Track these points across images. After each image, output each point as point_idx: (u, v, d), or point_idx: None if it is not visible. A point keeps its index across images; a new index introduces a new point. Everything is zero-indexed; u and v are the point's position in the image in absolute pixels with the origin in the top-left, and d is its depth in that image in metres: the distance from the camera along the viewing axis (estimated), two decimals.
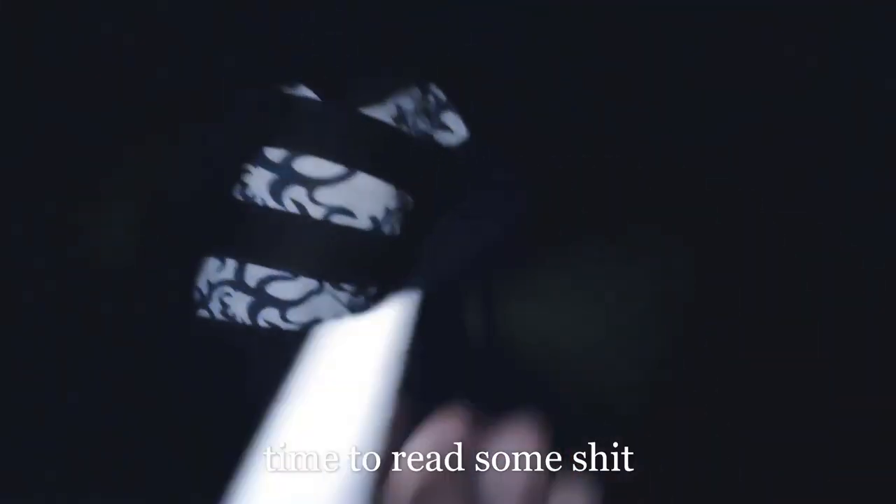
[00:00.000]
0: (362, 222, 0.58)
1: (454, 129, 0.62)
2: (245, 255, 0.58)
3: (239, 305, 0.58)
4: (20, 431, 0.55)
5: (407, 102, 0.61)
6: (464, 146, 0.62)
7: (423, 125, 0.62)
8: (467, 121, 0.62)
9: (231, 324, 0.58)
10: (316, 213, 0.57)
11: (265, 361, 0.56)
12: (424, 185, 0.62)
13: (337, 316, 0.59)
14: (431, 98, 0.62)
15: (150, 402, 0.58)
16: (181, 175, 0.59)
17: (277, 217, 0.57)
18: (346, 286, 0.59)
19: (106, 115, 0.61)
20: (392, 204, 0.60)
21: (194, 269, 0.59)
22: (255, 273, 0.57)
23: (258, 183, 0.58)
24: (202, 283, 0.59)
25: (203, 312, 0.59)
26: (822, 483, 0.57)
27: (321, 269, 0.58)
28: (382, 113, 0.60)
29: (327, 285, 0.58)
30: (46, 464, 0.53)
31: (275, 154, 0.58)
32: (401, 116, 0.61)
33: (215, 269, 0.59)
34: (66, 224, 0.61)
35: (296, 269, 0.57)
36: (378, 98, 0.59)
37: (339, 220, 0.57)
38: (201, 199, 0.58)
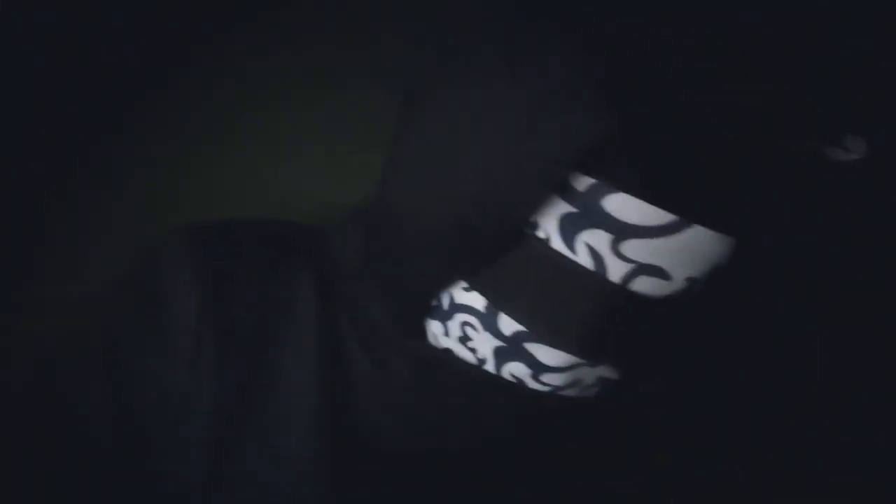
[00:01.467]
0: (674, 285, 0.42)
1: (853, 148, 0.43)
2: (500, 301, 0.44)
3: (484, 344, 0.45)
4: None
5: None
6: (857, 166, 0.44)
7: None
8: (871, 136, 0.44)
9: (463, 362, 0.47)
10: (616, 271, 0.41)
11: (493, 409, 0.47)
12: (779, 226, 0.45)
13: (599, 383, 0.47)
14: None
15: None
16: (442, 181, 0.43)
17: (560, 266, 0.42)
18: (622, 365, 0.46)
19: None
20: (722, 260, 0.43)
21: (437, 278, 0.46)
22: (510, 323, 0.44)
23: (548, 213, 0.42)
24: (444, 296, 0.46)
25: (437, 326, 0.47)
26: (822, 482, 0.57)
27: (595, 349, 0.44)
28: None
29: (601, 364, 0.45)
30: None
31: (580, 181, 0.41)
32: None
33: (461, 288, 0.45)
34: None
35: (562, 345, 0.43)
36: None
37: (643, 283, 0.42)
38: (465, 221, 0.42)
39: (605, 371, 0.46)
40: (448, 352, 0.47)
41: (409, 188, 0.45)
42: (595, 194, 0.40)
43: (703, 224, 0.40)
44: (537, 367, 0.44)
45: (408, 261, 0.46)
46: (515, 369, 0.45)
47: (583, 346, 0.43)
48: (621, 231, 0.40)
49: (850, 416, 0.59)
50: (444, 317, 0.46)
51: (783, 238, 0.54)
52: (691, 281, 0.43)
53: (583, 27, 0.40)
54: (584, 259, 0.42)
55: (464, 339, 0.46)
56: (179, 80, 0.62)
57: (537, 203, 0.41)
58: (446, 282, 0.45)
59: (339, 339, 0.50)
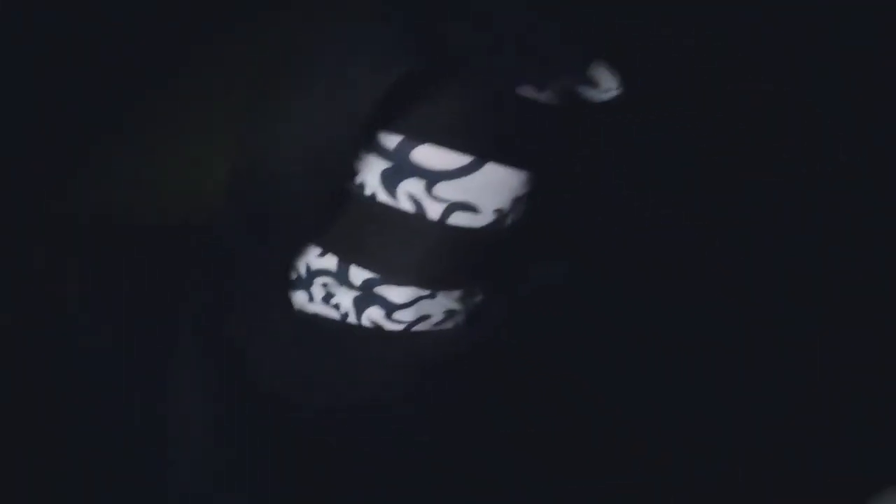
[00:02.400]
0: (485, 217, 0.51)
1: (603, 85, 0.51)
2: (348, 255, 0.51)
3: (345, 298, 0.52)
4: None
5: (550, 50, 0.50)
6: (613, 104, 0.51)
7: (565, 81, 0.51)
8: (622, 75, 0.50)
9: (328, 317, 0.52)
10: (433, 210, 0.49)
11: (362, 356, 0.53)
12: (561, 161, 0.53)
13: (447, 315, 0.53)
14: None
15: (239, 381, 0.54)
16: (284, 145, 0.50)
17: (388, 215, 0.49)
18: (459, 291, 0.53)
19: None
20: (522, 191, 0.51)
21: (290, 248, 0.52)
22: (359, 273, 0.51)
23: (370, 172, 0.50)
24: (301, 265, 0.53)
25: (301, 295, 0.53)
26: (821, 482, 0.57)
27: (434, 279, 0.51)
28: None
29: (440, 293, 0.52)
30: None
31: (390, 140, 0.49)
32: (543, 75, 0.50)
33: (315, 255, 0.52)
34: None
35: (404, 280, 0.51)
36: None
37: (459, 217, 0.50)
38: (304, 178, 0.50)
39: (446, 302, 0.52)
40: (316, 315, 0.53)
41: (262, 150, 0.52)
42: (403, 149, 0.48)
43: (494, 160, 0.49)
44: (388, 307, 0.52)
45: (269, 225, 0.52)
46: (372, 313, 0.52)
47: (420, 278, 0.51)
48: (431, 176, 0.48)
49: (849, 416, 0.59)
50: (306, 284, 0.53)
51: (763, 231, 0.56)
52: (499, 212, 0.51)
53: None
54: (405, 205, 0.49)
55: (327, 298, 0.52)
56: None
57: (347, 157, 0.49)
58: (299, 246, 0.52)
59: (227, 310, 0.55)
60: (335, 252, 0.51)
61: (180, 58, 0.59)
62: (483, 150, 0.49)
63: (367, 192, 0.50)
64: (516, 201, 0.51)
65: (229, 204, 0.53)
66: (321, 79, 0.48)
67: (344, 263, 0.51)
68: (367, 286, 0.51)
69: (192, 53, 0.59)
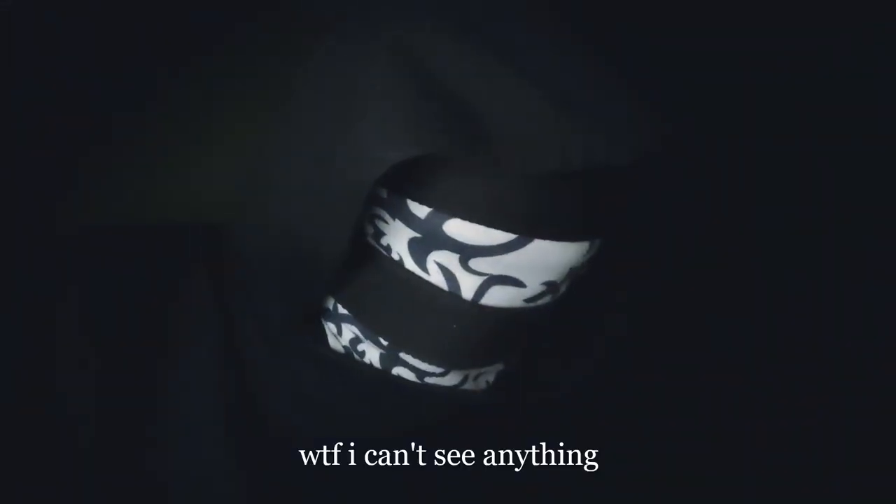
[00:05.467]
0: (531, 290, 0.42)
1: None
2: (369, 320, 0.44)
3: (371, 352, 0.46)
4: None
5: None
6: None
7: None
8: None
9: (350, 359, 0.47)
10: (468, 285, 0.41)
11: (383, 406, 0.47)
12: (619, 217, 0.44)
13: (488, 383, 0.48)
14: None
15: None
16: (290, 176, 0.43)
17: (416, 286, 0.42)
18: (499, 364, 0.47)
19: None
20: (578, 260, 0.42)
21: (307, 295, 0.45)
22: (384, 339, 0.45)
23: (397, 238, 0.42)
24: (329, 301, 0.47)
25: (330, 326, 0.47)
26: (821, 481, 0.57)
27: (465, 359, 0.44)
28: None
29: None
30: None
31: (419, 209, 0.41)
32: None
33: (331, 306, 0.46)
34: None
35: (430, 358, 0.44)
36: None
37: (498, 293, 0.42)
38: (313, 223, 0.42)
39: (483, 372, 0.46)
40: (347, 353, 0.47)
41: (260, 194, 0.46)
42: (434, 220, 0.40)
43: (542, 238, 0.40)
44: (418, 372, 0.45)
45: (279, 268, 0.45)
46: (402, 373, 0.45)
47: (449, 359, 0.44)
48: (466, 250, 0.40)
49: (850, 415, 0.59)
50: (335, 319, 0.47)
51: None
52: (550, 284, 0.42)
53: (391, 38, 0.39)
54: (436, 278, 0.42)
55: (354, 342, 0.46)
56: None
57: (345, 222, 0.40)
58: (310, 298, 0.45)
59: (242, 340, 0.50)
60: (355, 314, 0.45)
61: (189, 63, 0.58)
62: (529, 229, 0.40)
63: (394, 255, 0.42)
64: (572, 272, 0.43)
65: (245, 221, 0.49)
66: (326, 122, 0.41)
67: (366, 326, 0.45)
68: (392, 349, 0.45)
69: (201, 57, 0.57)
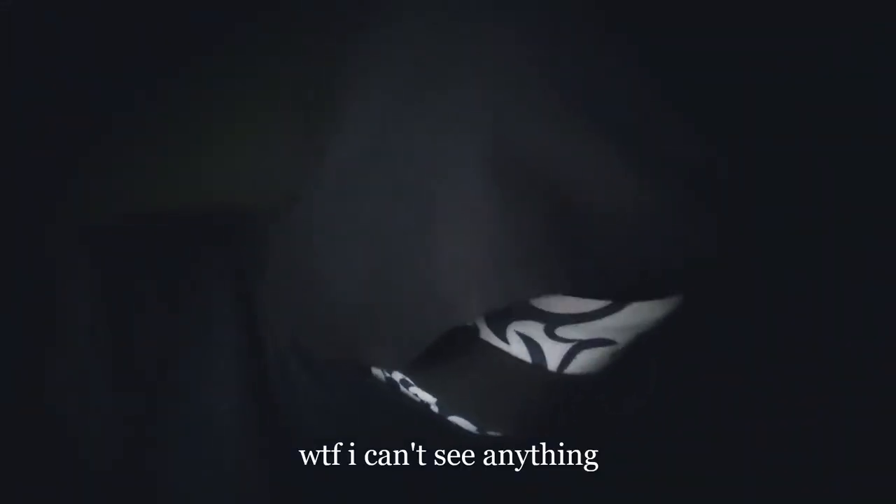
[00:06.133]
0: (620, 346, 0.38)
1: None
2: (431, 389, 0.39)
3: (426, 397, 0.41)
4: None
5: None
6: None
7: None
8: None
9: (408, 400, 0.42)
10: (554, 355, 0.37)
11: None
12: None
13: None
14: None
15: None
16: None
17: (492, 358, 0.37)
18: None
19: None
20: (672, 313, 0.38)
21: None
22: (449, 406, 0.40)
23: None
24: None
25: (379, 374, 0.42)
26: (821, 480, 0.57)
27: (534, 428, 0.40)
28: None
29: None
30: None
31: None
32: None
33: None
34: None
35: (497, 429, 0.40)
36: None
37: (586, 355, 0.37)
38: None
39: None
40: (394, 384, 0.42)
41: (333, 229, 0.37)
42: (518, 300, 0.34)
43: (639, 300, 0.36)
44: (481, 426, 0.41)
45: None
46: (461, 423, 0.41)
47: (523, 429, 0.40)
48: (553, 320, 0.36)
49: (850, 415, 0.59)
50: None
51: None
52: (639, 336, 0.38)
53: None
54: (517, 349, 0.37)
55: (405, 384, 0.41)
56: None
57: (461, 319, 0.32)
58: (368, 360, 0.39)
59: (266, 346, 0.47)
60: (414, 379, 0.40)
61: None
62: (621, 294, 0.35)
63: (468, 323, 0.37)
64: (667, 319, 0.38)
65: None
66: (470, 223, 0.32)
67: (425, 391, 0.40)
68: (445, 411, 0.40)
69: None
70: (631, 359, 0.42)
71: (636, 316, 0.36)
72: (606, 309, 0.35)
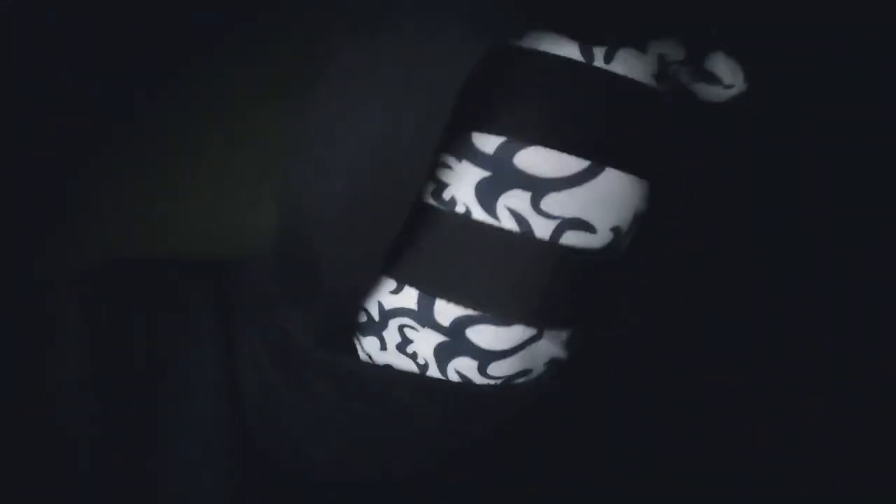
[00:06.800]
0: (601, 237, 0.42)
1: (727, 81, 0.44)
2: (433, 287, 0.41)
3: (425, 344, 0.43)
4: None
5: (671, 47, 0.42)
6: (737, 103, 0.44)
7: (685, 77, 0.44)
8: (749, 70, 0.43)
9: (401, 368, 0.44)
10: (542, 229, 0.40)
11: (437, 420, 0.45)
12: (678, 170, 0.46)
13: (548, 367, 0.45)
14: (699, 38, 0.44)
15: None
16: (343, 151, 0.41)
17: (487, 236, 0.41)
18: (568, 332, 0.45)
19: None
20: (642, 206, 0.43)
21: (356, 284, 0.43)
22: (447, 310, 0.42)
23: (462, 183, 0.41)
24: (371, 303, 0.44)
25: (371, 342, 0.45)
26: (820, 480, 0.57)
27: (544, 313, 0.42)
28: (640, 69, 0.41)
29: (546, 333, 0.43)
30: None
31: (488, 143, 0.40)
32: (662, 70, 0.42)
33: (388, 291, 0.43)
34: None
35: (507, 315, 0.41)
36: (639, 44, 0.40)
37: (571, 237, 0.41)
38: (370, 193, 0.40)
39: (552, 348, 0.44)
40: (388, 367, 0.44)
41: (308, 171, 0.43)
42: (505, 152, 0.40)
43: (614, 166, 0.41)
44: (483, 357, 0.43)
45: (324, 261, 0.43)
46: (461, 365, 0.43)
47: (528, 311, 0.42)
48: (538, 186, 0.40)
49: (850, 415, 0.59)
50: (378, 329, 0.44)
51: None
52: (616, 231, 0.42)
53: None
54: (508, 223, 0.41)
55: (403, 345, 0.44)
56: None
57: (426, 151, 0.39)
58: (365, 280, 0.43)
59: (253, 367, 0.50)
60: (416, 285, 0.42)
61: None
62: (602, 153, 0.40)
63: (459, 208, 0.41)
64: (635, 219, 0.43)
65: (279, 228, 0.46)
66: (388, 60, 0.39)
67: (428, 298, 0.42)
68: (457, 327, 0.42)
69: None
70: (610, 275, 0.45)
71: (609, 189, 0.41)
72: (585, 173, 0.40)
